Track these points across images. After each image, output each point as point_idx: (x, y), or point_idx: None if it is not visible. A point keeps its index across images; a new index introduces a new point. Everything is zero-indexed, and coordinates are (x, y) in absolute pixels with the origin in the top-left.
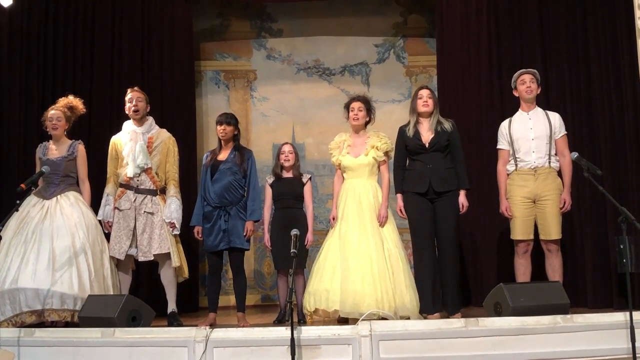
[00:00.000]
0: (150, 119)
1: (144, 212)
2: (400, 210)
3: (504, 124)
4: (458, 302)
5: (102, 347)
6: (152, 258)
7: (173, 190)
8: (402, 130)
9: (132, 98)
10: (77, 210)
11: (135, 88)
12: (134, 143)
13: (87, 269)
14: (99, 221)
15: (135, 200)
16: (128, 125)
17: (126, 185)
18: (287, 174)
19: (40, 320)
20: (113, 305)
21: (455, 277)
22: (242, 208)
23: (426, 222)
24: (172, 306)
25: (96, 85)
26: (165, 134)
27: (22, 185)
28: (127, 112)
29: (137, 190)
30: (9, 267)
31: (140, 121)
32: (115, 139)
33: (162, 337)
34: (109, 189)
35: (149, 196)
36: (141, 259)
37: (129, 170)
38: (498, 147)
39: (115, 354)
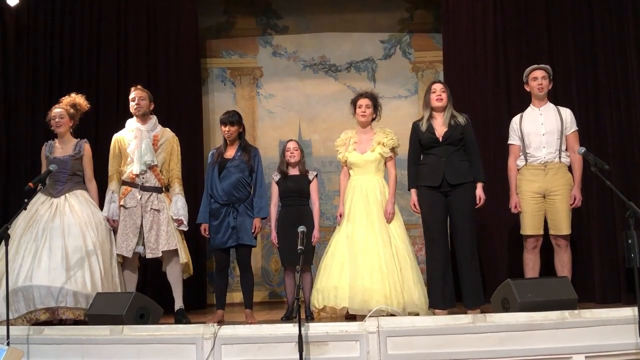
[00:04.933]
0: (154, 118)
1: (151, 209)
2: (414, 204)
3: (515, 120)
4: (477, 296)
5: (111, 345)
6: (160, 255)
7: (178, 188)
8: (416, 125)
9: (135, 97)
10: (87, 209)
11: (138, 86)
12: (139, 140)
13: (99, 268)
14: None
15: (141, 197)
16: (131, 123)
17: (131, 183)
18: (293, 171)
19: (54, 318)
20: (121, 302)
21: (473, 271)
22: (249, 205)
23: (438, 216)
24: (179, 303)
25: (103, 83)
26: (169, 132)
27: (30, 184)
28: (131, 110)
29: (143, 188)
30: (20, 264)
31: (143, 119)
32: (118, 137)
33: (170, 335)
34: (113, 186)
35: (154, 194)
36: (149, 255)
37: (134, 168)
38: (509, 142)
39: (123, 352)
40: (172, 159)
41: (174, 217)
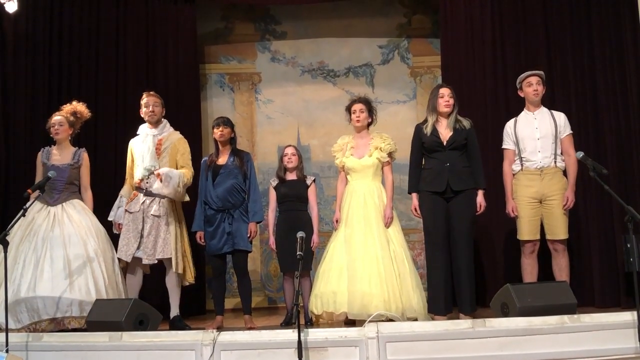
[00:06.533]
0: (165, 122)
1: (151, 214)
2: (415, 209)
3: (509, 124)
4: (473, 302)
5: (110, 351)
6: (156, 261)
7: (184, 169)
8: (419, 129)
9: (149, 103)
10: (85, 218)
11: (152, 92)
12: (144, 145)
13: (102, 275)
14: (110, 222)
15: (144, 202)
16: (143, 128)
17: (138, 188)
18: (291, 176)
19: (59, 328)
20: (120, 309)
21: (470, 277)
22: (244, 211)
23: (440, 221)
24: (175, 311)
25: (101, 89)
26: (175, 135)
27: (29, 191)
28: (143, 116)
29: (147, 193)
30: (22, 274)
31: (155, 124)
32: (131, 142)
33: (169, 341)
34: (123, 191)
35: (157, 199)
36: (145, 261)
37: (137, 173)
38: (503, 147)
39: (122, 358)
40: (180, 159)
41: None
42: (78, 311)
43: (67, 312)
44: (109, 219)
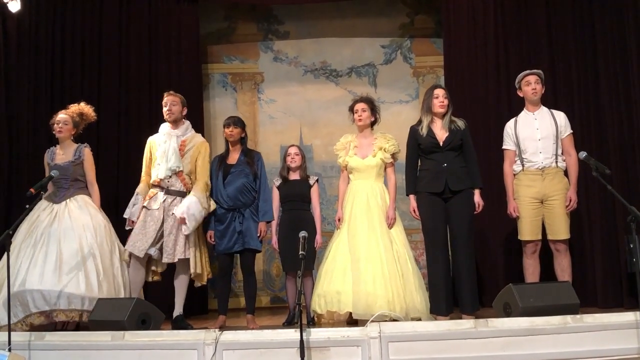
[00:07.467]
0: (186, 123)
1: (172, 214)
2: (414, 210)
3: (510, 124)
4: (475, 302)
5: (112, 351)
6: (176, 260)
7: (195, 189)
8: (414, 130)
9: (167, 102)
10: (86, 213)
11: (171, 92)
12: (167, 145)
13: (95, 269)
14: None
15: (164, 201)
16: (164, 128)
17: (157, 186)
18: (294, 176)
19: (49, 322)
20: (123, 308)
21: (471, 276)
22: (255, 210)
23: (439, 222)
24: (179, 310)
25: (104, 89)
26: (199, 138)
27: (32, 190)
28: (164, 115)
29: (168, 192)
30: (18, 270)
31: (175, 124)
32: (151, 140)
33: (171, 340)
34: (139, 188)
35: (178, 198)
36: (165, 260)
37: (160, 172)
38: (504, 147)
39: (125, 357)
40: (199, 163)
41: (177, 216)
42: (66, 304)
43: (55, 304)
44: (125, 216)
